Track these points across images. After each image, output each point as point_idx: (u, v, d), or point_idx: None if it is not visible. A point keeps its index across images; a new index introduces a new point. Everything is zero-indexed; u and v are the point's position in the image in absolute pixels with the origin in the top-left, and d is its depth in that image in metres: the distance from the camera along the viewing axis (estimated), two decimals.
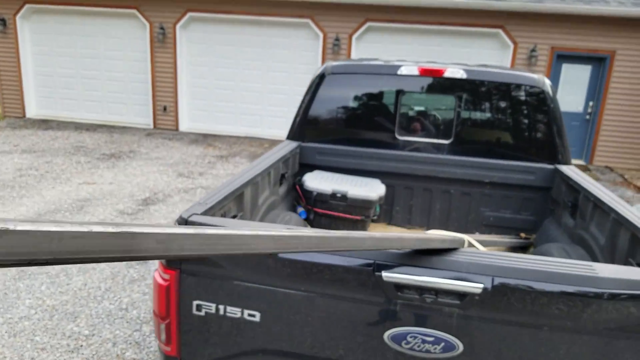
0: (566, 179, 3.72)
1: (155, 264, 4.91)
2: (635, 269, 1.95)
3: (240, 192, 2.82)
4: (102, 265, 4.95)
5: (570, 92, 11.63)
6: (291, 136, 4.29)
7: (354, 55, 11.72)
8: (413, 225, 4.32)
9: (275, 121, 12.41)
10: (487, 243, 2.97)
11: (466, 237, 2.20)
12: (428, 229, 4.30)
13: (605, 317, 1.84)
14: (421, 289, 1.90)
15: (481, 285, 1.85)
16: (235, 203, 2.82)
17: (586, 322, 1.85)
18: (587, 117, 11.65)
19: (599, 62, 11.33)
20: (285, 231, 1.29)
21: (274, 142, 11.94)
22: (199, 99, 12.72)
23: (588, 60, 11.39)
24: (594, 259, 3.10)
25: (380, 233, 1.65)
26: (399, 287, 1.91)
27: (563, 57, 11.38)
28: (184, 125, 12.82)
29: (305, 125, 4.25)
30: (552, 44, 11.17)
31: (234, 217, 2.77)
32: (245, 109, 12.56)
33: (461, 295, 1.88)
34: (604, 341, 1.86)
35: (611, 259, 2.86)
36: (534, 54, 11.11)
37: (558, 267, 1.89)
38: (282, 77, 12.22)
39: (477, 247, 2.36)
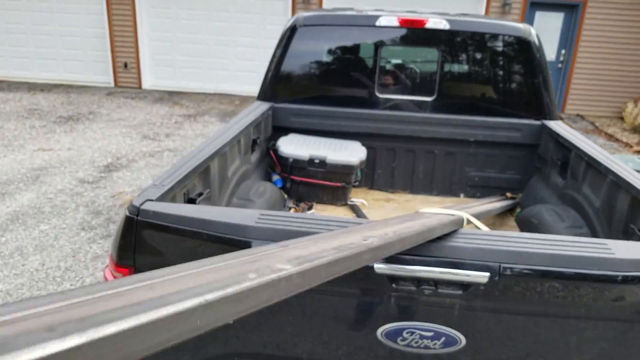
0: (555, 136, 3.52)
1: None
2: None
3: (205, 166, 2.51)
4: (62, 241, 4.61)
5: (543, 40, 11.37)
6: (262, 96, 3.95)
7: (326, 4, 11.18)
8: (396, 189, 4.09)
9: (246, 76, 11.89)
10: (480, 215, 2.76)
11: (465, 215, 1.98)
12: (412, 192, 4.08)
13: (625, 301, 1.64)
14: (418, 280, 1.67)
15: (487, 274, 1.63)
16: (200, 179, 2.52)
17: (604, 307, 1.66)
18: (560, 65, 11.50)
19: (571, 10, 11.10)
20: (249, 281, 0.89)
21: (245, 99, 11.47)
22: (163, 54, 12.06)
23: (560, 8, 11.15)
24: (588, 222, 2.93)
25: (378, 239, 1.38)
26: (394, 279, 1.67)
27: (536, 4, 11.10)
28: (148, 83, 12.19)
29: (277, 84, 3.91)
30: None
31: (200, 195, 2.47)
32: (214, 63, 11.98)
33: (464, 286, 1.66)
34: (624, 327, 1.67)
35: (608, 224, 2.69)
36: (508, 1, 10.78)
37: (570, 248, 1.67)
38: (252, 29, 11.63)
39: (477, 225, 2.14)
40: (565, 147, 3.36)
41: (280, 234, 1.71)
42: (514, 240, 1.70)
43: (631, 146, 9.28)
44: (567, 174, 3.33)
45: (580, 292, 1.65)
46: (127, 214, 1.83)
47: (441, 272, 1.64)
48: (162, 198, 1.96)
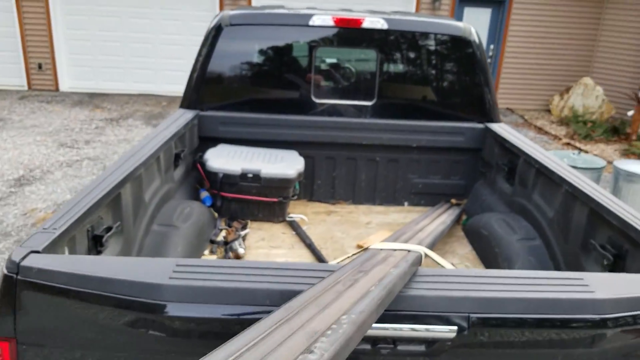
0: (500, 140, 3.36)
1: None
2: (630, 276, 1.56)
3: (114, 194, 2.12)
4: None
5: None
6: (186, 104, 3.55)
7: (255, 1, 10.76)
8: (337, 200, 3.82)
9: (172, 75, 11.27)
10: (436, 240, 2.53)
11: (422, 250, 1.72)
12: (354, 202, 3.82)
13: (610, 345, 1.44)
14: (374, 339, 1.39)
15: (454, 328, 1.37)
16: (108, 210, 2.12)
17: (586, 354, 1.44)
18: (489, 60, 11.69)
19: (499, 5, 11.29)
20: None
21: (173, 99, 10.86)
22: (81, 54, 11.21)
23: (488, 4, 11.32)
24: (541, 233, 2.77)
25: (329, 340, 1.05)
26: None
27: (465, 0, 11.20)
28: (66, 85, 11.30)
29: (202, 90, 3.52)
30: None
31: (109, 230, 2.08)
32: (137, 62, 11.27)
33: (429, 342, 1.39)
34: None
35: (564, 237, 2.53)
36: None
37: (547, 288, 1.44)
38: (176, 25, 11.02)
39: (438, 262, 1.89)
40: (512, 152, 3.20)
41: (201, 293, 1.38)
42: (484, 282, 1.45)
43: (560, 138, 9.53)
44: (514, 181, 3.18)
45: (558, 340, 1.42)
46: (5, 271, 1.43)
47: (400, 329, 1.37)
48: (52, 246, 1.57)
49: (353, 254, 2.28)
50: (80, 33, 11.05)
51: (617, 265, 2.08)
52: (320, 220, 3.52)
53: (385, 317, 1.37)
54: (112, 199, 2.15)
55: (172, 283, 1.41)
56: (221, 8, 10.68)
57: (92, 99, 10.66)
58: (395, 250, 1.72)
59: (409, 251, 1.70)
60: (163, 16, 10.95)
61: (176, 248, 2.61)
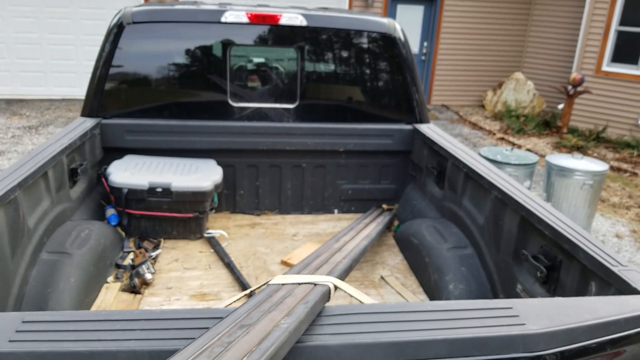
0: (429, 142, 3.20)
1: None
2: (562, 301, 1.38)
3: None
4: None
5: (406, 33, 11.58)
6: (87, 111, 3.18)
7: None
8: (262, 210, 3.55)
9: None
10: (356, 260, 2.31)
11: (331, 281, 1.49)
12: (280, 212, 3.56)
13: None
14: None
15: None
16: None
17: None
18: (423, 57, 11.74)
19: (431, 3, 11.35)
20: None
21: None
22: None
23: (420, 1, 11.35)
24: (472, 240, 2.61)
25: None
26: None
27: None
28: None
29: (105, 96, 3.16)
30: None
31: None
32: (58, 65, 10.57)
33: None
34: None
35: (495, 245, 2.37)
36: None
37: (473, 324, 1.24)
38: (99, 25, 10.39)
39: (349, 293, 1.65)
40: (440, 155, 3.04)
41: None
42: (400, 319, 1.23)
43: (494, 133, 9.64)
44: (444, 185, 3.02)
45: None
46: None
47: None
48: None
49: (250, 290, 2.02)
50: None
51: (550, 277, 1.93)
52: (242, 234, 3.24)
53: None
54: None
55: (11, 349, 1.11)
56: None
57: (9, 106, 9.90)
58: (300, 284, 1.47)
59: (315, 284, 1.46)
60: (84, 15, 10.32)
61: (69, 279, 2.27)
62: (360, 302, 1.57)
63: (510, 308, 1.31)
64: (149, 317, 1.22)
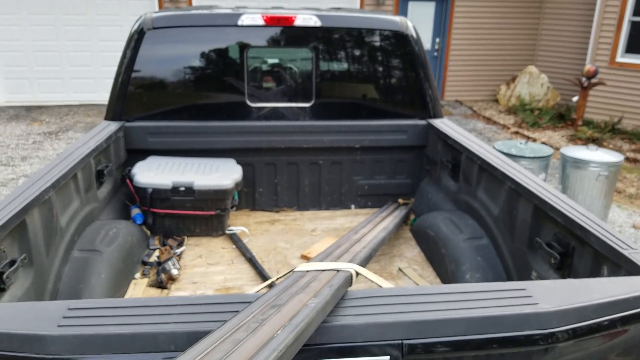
0: (443, 137, 3.27)
1: None
2: (574, 282, 1.45)
3: (16, 222, 1.88)
4: None
5: (418, 30, 11.58)
6: (110, 115, 3.30)
7: (195, 2, 10.45)
8: (281, 207, 3.64)
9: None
10: (374, 250, 2.39)
11: (353, 268, 1.57)
12: (299, 209, 3.65)
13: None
14: None
15: (387, 359, 1.22)
16: (12, 241, 1.89)
17: None
18: (435, 54, 11.75)
19: None
20: None
21: None
22: (16, 65, 10.63)
23: None
24: (488, 231, 2.68)
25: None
26: None
27: None
28: (1, 99, 10.71)
29: (127, 100, 3.28)
30: None
31: (12, 264, 1.84)
32: (76, 71, 10.79)
33: None
34: None
35: (510, 235, 2.43)
36: None
37: (488, 304, 1.31)
38: (115, 32, 10.60)
39: (371, 279, 1.73)
40: (455, 149, 3.10)
41: (95, 344, 1.18)
42: (418, 301, 1.31)
43: (508, 127, 9.64)
44: (459, 178, 3.08)
45: (504, 359, 1.29)
46: None
47: None
48: None
49: (277, 278, 2.11)
50: (14, 44, 10.49)
51: (564, 263, 1.99)
52: (263, 230, 3.34)
53: (309, 353, 1.21)
54: (15, 228, 1.91)
55: (61, 332, 1.21)
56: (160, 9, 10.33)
57: (29, 112, 10.13)
58: (323, 270, 1.56)
59: (338, 271, 1.55)
60: (100, 22, 10.52)
61: (100, 275, 2.38)
62: (380, 287, 1.65)
63: (524, 289, 1.38)
64: (185, 302, 1.31)
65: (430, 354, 1.24)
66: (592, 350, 1.34)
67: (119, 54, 10.63)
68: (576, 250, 1.91)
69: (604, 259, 1.72)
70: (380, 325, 1.24)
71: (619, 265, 1.62)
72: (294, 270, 1.63)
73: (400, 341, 1.22)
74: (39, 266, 2.12)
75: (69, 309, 1.30)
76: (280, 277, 1.68)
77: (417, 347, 1.23)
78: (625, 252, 1.60)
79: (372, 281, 1.69)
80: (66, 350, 1.18)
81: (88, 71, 10.82)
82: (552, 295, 1.35)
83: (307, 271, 1.57)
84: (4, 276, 1.81)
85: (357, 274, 1.67)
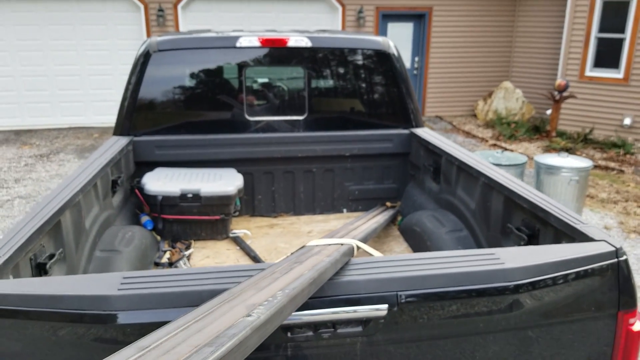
0: (424, 143, 3.61)
1: None
2: (536, 248, 1.77)
3: (54, 221, 2.15)
4: None
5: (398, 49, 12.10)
6: (119, 131, 3.58)
7: (182, 26, 10.80)
8: (279, 213, 3.93)
9: (102, 106, 11.08)
10: (368, 236, 2.70)
11: (354, 242, 1.87)
12: (295, 214, 3.95)
13: (521, 309, 1.63)
14: (315, 325, 1.51)
15: (385, 307, 1.52)
16: (50, 238, 2.15)
17: (503, 319, 1.63)
18: (415, 72, 12.22)
19: (419, 19, 11.88)
20: None
21: (105, 130, 10.67)
22: (4, 90, 10.82)
23: (410, 18, 11.88)
24: (467, 224, 3.00)
25: (265, 308, 1.18)
26: (288, 328, 1.50)
27: (388, 16, 11.72)
28: None
29: (135, 116, 3.57)
30: (377, 4, 11.41)
31: (51, 257, 2.10)
32: (65, 95, 11.00)
33: (364, 322, 1.53)
34: (524, 334, 1.66)
35: (486, 225, 2.76)
36: (362, 15, 11.25)
37: (463, 264, 1.62)
38: (103, 55, 10.87)
39: (368, 251, 2.04)
40: (435, 153, 3.44)
41: (150, 300, 1.46)
42: (408, 264, 1.62)
43: (487, 140, 10.08)
44: (440, 179, 3.41)
45: (479, 308, 1.60)
46: None
47: (337, 312, 1.50)
48: None
49: (291, 253, 2.40)
50: (3, 69, 10.69)
51: (532, 243, 2.31)
52: (263, 233, 3.62)
53: (323, 302, 1.50)
54: (52, 227, 2.17)
55: (121, 293, 1.48)
56: (148, 35, 10.65)
57: (18, 136, 10.30)
58: (329, 245, 1.85)
59: (342, 244, 1.84)
60: (88, 47, 10.78)
61: (121, 272, 2.64)
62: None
63: (493, 254, 1.70)
64: (221, 270, 1.59)
65: (420, 302, 1.55)
66: (550, 301, 1.65)
67: (108, 77, 10.92)
68: (540, 231, 2.24)
69: (562, 235, 2.04)
70: (379, 281, 1.54)
71: (573, 237, 1.94)
72: (305, 245, 1.92)
73: (395, 292, 1.52)
74: (70, 262, 2.38)
75: (124, 277, 1.57)
76: (295, 252, 1.95)
77: (407, 297, 1.53)
78: (578, 227, 1.93)
79: (370, 253, 1.98)
80: (127, 306, 1.46)
81: (77, 95, 11.03)
82: (516, 258, 1.67)
83: (316, 245, 1.86)
84: (47, 266, 2.07)
85: (358, 248, 1.97)
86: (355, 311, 1.50)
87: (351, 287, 1.52)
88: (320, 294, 1.50)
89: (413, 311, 1.55)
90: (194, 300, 1.47)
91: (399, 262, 1.63)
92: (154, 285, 1.52)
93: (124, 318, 1.45)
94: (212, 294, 1.48)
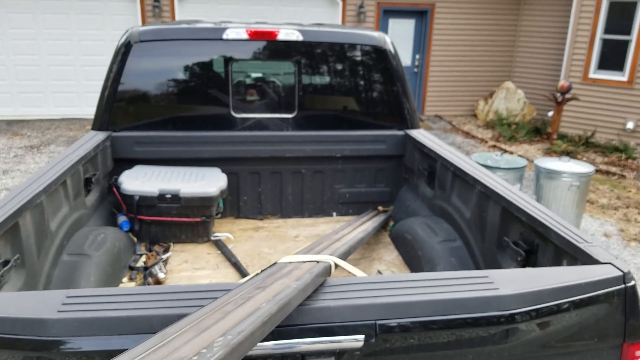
0: (419, 146, 3.42)
1: None
2: (534, 271, 1.59)
3: (9, 224, 1.96)
4: None
5: (398, 46, 11.86)
6: (97, 125, 3.39)
7: (179, 18, 10.59)
8: (265, 215, 3.75)
9: (96, 98, 10.84)
10: (352, 248, 2.51)
11: (331, 260, 1.69)
12: (282, 216, 3.76)
13: (516, 339, 1.45)
14: (282, 357, 1.33)
15: (362, 337, 1.33)
16: (6, 242, 1.97)
17: (495, 350, 1.44)
18: (415, 70, 12.02)
19: (421, 16, 11.67)
20: None
21: None
22: None
23: (412, 14, 11.66)
24: (461, 234, 2.82)
25: (222, 344, 1.00)
26: None
27: (389, 12, 11.51)
28: None
29: (114, 110, 3.37)
30: (379, 0, 11.20)
31: (5, 264, 1.92)
32: (58, 86, 10.81)
33: (337, 353, 1.35)
34: None
35: (481, 236, 2.58)
36: (362, 10, 11.04)
37: (453, 289, 1.44)
38: (98, 46, 10.66)
39: (349, 270, 1.85)
40: (430, 157, 3.25)
41: (93, 326, 1.27)
42: (391, 287, 1.43)
43: (486, 141, 9.89)
44: (434, 184, 3.23)
45: (469, 339, 1.42)
46: None
47: (307, 343, 1.32)
48: None
49: (261, 270, 2.22)
50: None
51: (529, 260, 2.13)
52: (247, 237, 3.43)
53: (292, 332, 1.32)
54: (7, 230, 1.99)
55: (61, 316, 1.30)
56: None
57: (10, 127, 10.10)
58: (304, 262, 1.67)
59: (317, 262, 1.66)
60: (83, 37, 10.58)
61: (89, 278, 2.46)
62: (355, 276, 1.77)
63: (486, 277, 1.51)
64: (177, 290, 1.41)
65: (401, 333, 1.36)
66: (549, 331, 1.47)
67: (102, 69, 10.70)
68: (540, 247, 2.05)
69: (563, 254, 1.86)
70: (355, 307, 1.35)
71: (575, 257, 1.76)
72: (278, 262, 1.74)
73: (373, 321, 1.34)
74: (31, 268, 2.19)
75: (67, 296, 1.39)
76: (265, 269, 1.78)
77: (389, 326, 1.35)
78: (581, 246, 1.75)
79: (349, 272, 1.80)
80: (66, 333, 1.28)
81: (70, 85, 10.84)
82: (511, 282, 1.48)
83: (290, 262, 1.68)
84: None
85: (336, 265, 1.79)
86: (327, 342, 1.32)
87: (324, 314, 1.34)
88: (288, 322, 1.32)
89: (394, 342, 1.37)
90: (142, 327, 1.29)
91: (379, 284, 1.45)
92: (101, 307, 1.33)
93: (63, 346, 1.27)
94: (164, 320, 1.30)
